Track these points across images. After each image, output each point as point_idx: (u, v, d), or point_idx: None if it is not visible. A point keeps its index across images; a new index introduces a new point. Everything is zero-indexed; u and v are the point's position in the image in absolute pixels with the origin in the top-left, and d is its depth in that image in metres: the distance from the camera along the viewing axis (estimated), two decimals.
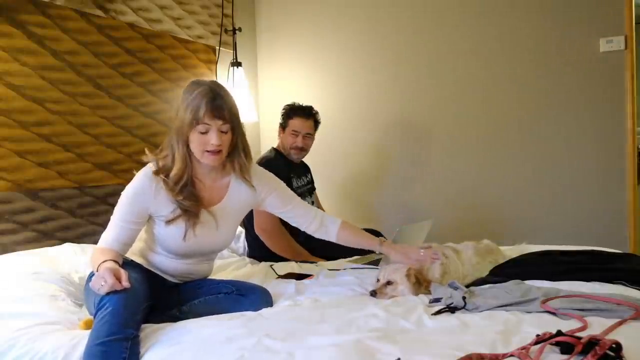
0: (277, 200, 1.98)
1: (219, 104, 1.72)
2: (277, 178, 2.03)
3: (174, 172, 1.75)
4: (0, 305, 1.71)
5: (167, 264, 1.86)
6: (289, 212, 2.00)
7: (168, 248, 1.82)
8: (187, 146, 1.76)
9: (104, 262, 1.58)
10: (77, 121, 2.50)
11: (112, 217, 1.76)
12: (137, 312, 1.55)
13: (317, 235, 2.02)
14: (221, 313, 1.69)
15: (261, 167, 2.04)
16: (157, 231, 1.81)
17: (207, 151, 1.75)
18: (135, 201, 1.74)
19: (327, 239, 2.02)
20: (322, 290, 1.93)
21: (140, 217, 1.76)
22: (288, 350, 1.32)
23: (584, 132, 3.02)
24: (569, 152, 3.05)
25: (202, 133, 1.73)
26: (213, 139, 1.73)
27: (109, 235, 1.72)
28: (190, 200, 1.77)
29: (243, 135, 1.84)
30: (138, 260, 1.85)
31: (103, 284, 1.49)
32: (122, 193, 1.77)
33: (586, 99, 3.00)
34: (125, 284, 1.51)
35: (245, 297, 1.79)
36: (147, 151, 1.81)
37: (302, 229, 2.02)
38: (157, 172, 1.76)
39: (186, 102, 1.72)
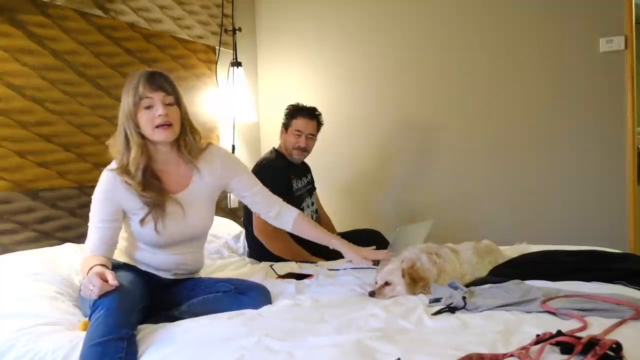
0: (240, 184, 2.03)
1: (157, 78, 1.80)
2: (242, 163, 2.09)
3: (131, 160, 1.76)
4: (0, 305, 1.71)
5: (153, 258, 1.86)
6: (251, 198, 2.05)
7: (145, 242, 1.84)
8: (140, 133, 1.78)
9: (90, 268, 1.59)
10: (77, 121, 2.50)
11: (89, 223, 1.76)
12: (132, 312, 1.55)
13: (274, 224, 2.09)
14: (221, 312, 1.69)
15: (225, 149, 2.11)
16: (133, 228, 1.82)
17: (157, 127, 1.78)
18: (106, 200, 1.76)
19: (282, 227, 2.09)
20: (322, 290, 1.93)
21: (117, 214, 1.77)
22: (288, 350, 1.32)
23: (584, 132, 3.01)
24: (569, 152, 3.05)
25: (147, 108, 1.77)
26: (159, 110, 1.77)
27: (92, 240, 1.73)
28: (153, 190, 1.78)
29: (187, 114, 1.89)
30: (128, 261, 1.86)
31: (92, 289, 1.49)
32: (93, 197, 1.79)
33: (586, 99, 3.00)
34: (113, 282, 1.51)
35: (245, 295, 1.79)
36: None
37: (262, 216, 2.08)
38: (119, 170, 1.77)
39: (127, 87, 1.78)
